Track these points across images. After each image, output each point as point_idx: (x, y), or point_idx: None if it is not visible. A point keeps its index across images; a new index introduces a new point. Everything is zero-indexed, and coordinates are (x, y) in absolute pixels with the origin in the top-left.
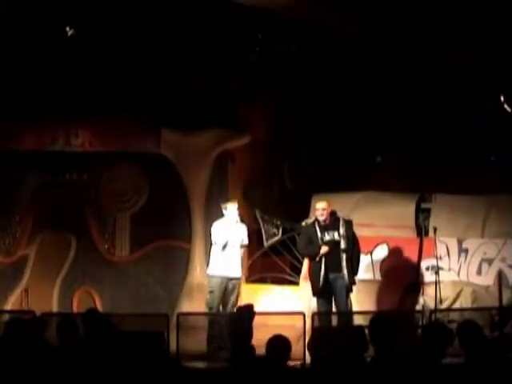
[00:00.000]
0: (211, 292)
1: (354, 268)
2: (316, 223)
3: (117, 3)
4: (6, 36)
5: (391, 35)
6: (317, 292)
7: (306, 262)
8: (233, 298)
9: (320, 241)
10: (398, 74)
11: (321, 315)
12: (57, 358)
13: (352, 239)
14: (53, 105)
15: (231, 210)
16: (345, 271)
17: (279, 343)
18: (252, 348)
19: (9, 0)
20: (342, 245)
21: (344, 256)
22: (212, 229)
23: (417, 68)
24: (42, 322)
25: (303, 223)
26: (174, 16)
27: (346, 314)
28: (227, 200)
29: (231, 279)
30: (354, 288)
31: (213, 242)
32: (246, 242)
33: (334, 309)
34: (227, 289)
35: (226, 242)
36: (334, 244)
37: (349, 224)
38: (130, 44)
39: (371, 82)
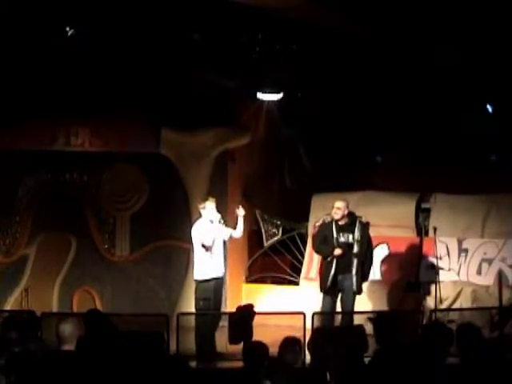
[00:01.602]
0: (206, 299)
1: (365, 273)
2: (333, 223)
3: (117, 3)
4: (6, 36)
5: (391, 35)
6: (323, 290)
7: (306, 262)
8: (222, 297)
9: (335, 241)
10: (398, 74)
11: (322, 315)
12: (56, 358)
13: (366, 243)
14: (53, 105)
15: (210, 208)
16: (354, 275)
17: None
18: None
19: (9, 0)
20: (355, 249)
21: (355, 260)
22: (194, 231)
23: (417, 68)
24: (37, 319)
25: (320, 220)
26: (174, 16)
27: (347, 314)
28: (204, 199)
29: (219, 279)
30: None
31: (196, 245)
32: (234, 234)
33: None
34: (219, 290)
35: (213, 242)
36: (347, 246)
37: (365, 227)
38: (130, 44)
39: (371, 82)
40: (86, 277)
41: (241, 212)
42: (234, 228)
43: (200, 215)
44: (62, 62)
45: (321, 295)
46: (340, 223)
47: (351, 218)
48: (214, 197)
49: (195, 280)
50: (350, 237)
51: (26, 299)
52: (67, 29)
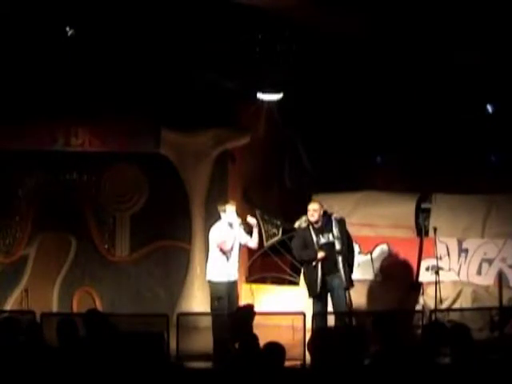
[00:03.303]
0: (220, 298)
1: (350, 267)
2: (310, 226)
3: (117, 3)
4: (6, 36)
5: (391, 35)
6: (314, 295)
7: None
8: (236, 299)
9: (316, 244)
10: (398, 74)
11: (320, 316)
12: (56, 358)
13: (346, 238)
14: (53, 105)
15: (230, 212)
16: (342, 272)
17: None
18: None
19: (9, 0)
20: (337, 246)
21: (340, 258)
22: (213, 232)
23: (417, 68)
24: (36, 324)
25: (296, 224)
26: (174, 16)
27: (347, 313)
28: (225, 202)
29: (234, 282)
30: (354, 288)
31: (213, 246)
32: (250, 243)
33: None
34: (233, 292)
35: (232, 245)
36: (329, 246)
37: (341, 223)
38: (130, 44)
39: (371, 82)
40: (86, 277)
41: (252, 220)
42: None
43: (219, 217)
44: (62, 62)
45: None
46: (316, 225)
47: (326, 217)
48: (214, 197)
49: (208, 281)
50: (330, 236)
51: (26, 299)
52: (67, 29)
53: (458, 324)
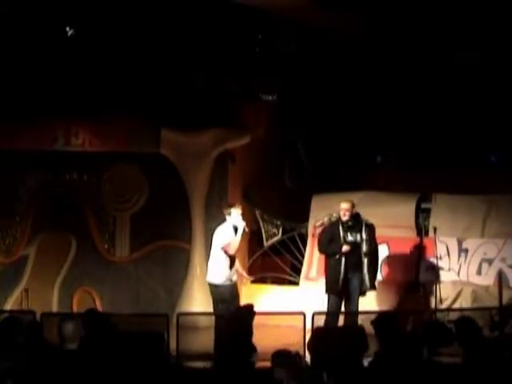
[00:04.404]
0: (224, 302)
1: (375, 272)
2: (340, 222)
3: (117, 3)
4: (6, 36)
5: (391, 35)
6: (335, 290)
7: (306, 262)
8: (238, 300)
9: (342, 240)
10: (398, 74)
11: (323, 315)
12: (57, 357)
13: (374, 243)
14: (53, 105)
15: (236, 215)
16: (366, 275)
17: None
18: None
19: (9, 0)
20: (364, 248)
21: (366, 260)
22: (218, 235)
23: (417, 68)
24: (38, 324)
25: (326, 218)
26: (174, 16)
27: (352, 314)
28: (231, 205)
29: (233, 283)
30: None
31: (217, 248)
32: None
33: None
34: (236, 293)
35: (236, 248)
36: (355, 245)
37: (371, 228)
38: (130, 44)
39: (371, 82)
40: (86, 277)
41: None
42: None
43: (224, 219)
44: (62, 62)
45: (323, 295)
46: (346, 223)
47: (357, 218)
48: (214, 197)
49: (210, 283)
50: (358, 236)
51: (26, 299)
52: (67, 29)
53: (465, 318)
